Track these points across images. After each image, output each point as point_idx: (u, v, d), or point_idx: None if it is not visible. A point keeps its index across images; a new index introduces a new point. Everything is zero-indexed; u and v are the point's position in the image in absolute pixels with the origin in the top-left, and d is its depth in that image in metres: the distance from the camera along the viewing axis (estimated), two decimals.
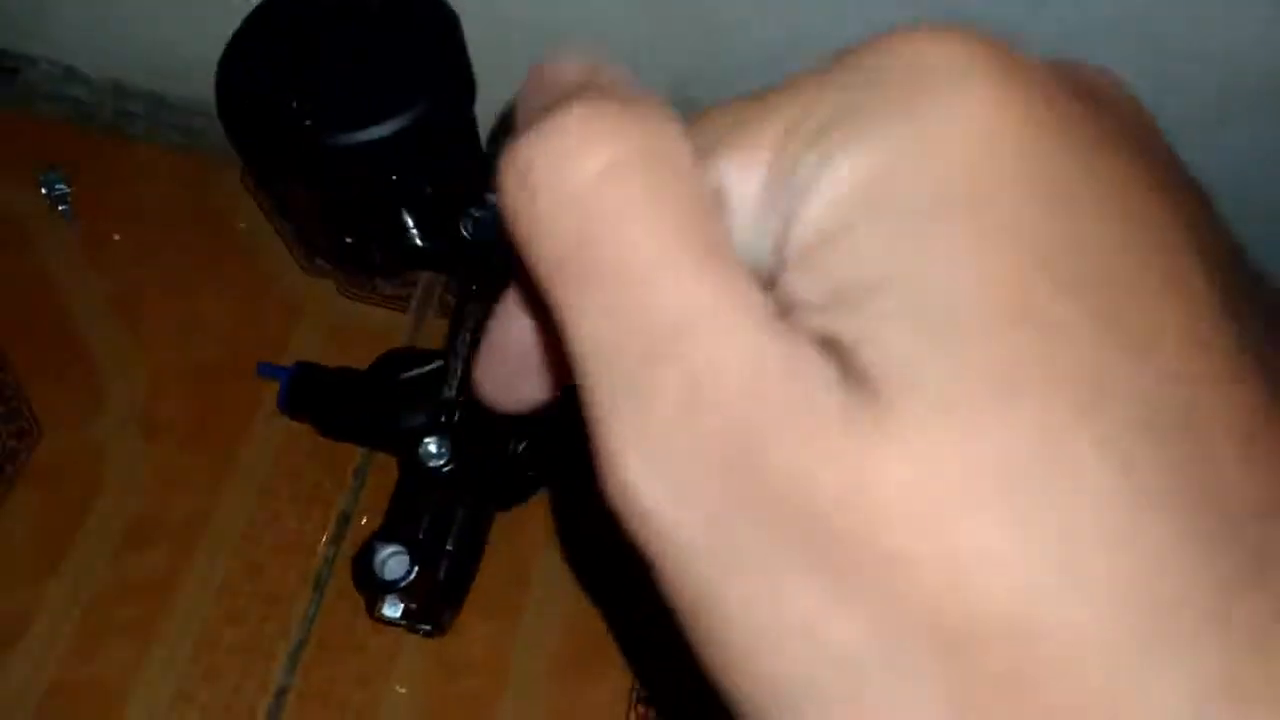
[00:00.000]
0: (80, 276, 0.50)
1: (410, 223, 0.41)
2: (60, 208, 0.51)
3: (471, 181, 0.41)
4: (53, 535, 0.44)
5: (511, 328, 0.16)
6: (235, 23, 0.38)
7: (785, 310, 0.12)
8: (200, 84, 0.54)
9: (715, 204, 0.13)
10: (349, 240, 0.41)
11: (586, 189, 0.12)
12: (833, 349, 0.12)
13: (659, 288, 0.12)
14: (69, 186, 0.52)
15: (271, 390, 0.47)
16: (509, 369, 0.17)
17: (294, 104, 0.36)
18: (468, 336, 0.40)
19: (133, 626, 0.42)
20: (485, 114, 0.39)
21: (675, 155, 0.13)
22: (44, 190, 0.52)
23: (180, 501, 0.45)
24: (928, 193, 0.12)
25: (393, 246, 0.41)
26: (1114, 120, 0.14)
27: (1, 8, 0.53)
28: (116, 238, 0.51)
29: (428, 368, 0.42)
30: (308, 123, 0.35)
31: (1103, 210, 0.12)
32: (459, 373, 0.40)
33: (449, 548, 0.39)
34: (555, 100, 0.13)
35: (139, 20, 0.52)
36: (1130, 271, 0.12)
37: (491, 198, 0.40)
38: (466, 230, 0.40)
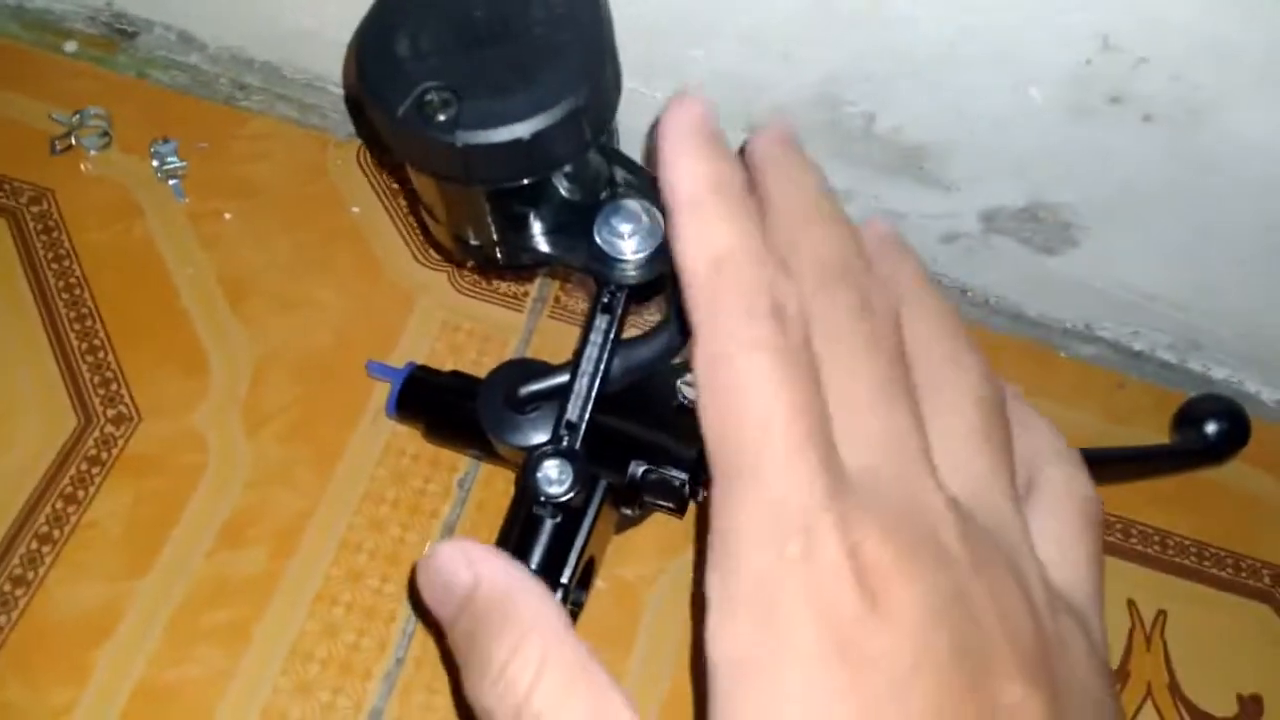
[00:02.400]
0: (188, 255, 0.48)
1: (538, 227, 0.38)
2: (171, 182, 0.50)
3: (608, 185, 0.37)
4: (147, 528, 0.42)
5: None
6: None
7: None
8: (319, 57, 0.52)
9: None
10: (474, 242, 0.38)
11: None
12: None
13: None
14: (181, 160, 0.50)
15: (379, 386, 0.45)
16: None
17: (431, 94, 0.33)
18: (595, 352, 0.37)
19: (224, 631, 0.40)
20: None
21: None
22: (155, 163, 0.50)
23: (280, 500, 0.43)
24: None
25: (516, 249, 0.39)
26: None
27: None
28: (227, 216, 0.49)
29: (551, 382, 0.39)
30: (442, 117, 0.32)
31: None
32: (585, 392, 0.37)
33: (564, 581, 0.36)
34: None
35: None
36: None
37: (627, 205, 0.37)
38: (600, 237, 0.37)
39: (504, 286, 0.49)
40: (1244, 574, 0.48)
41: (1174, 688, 0.44)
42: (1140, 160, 0.44)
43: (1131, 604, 0.46)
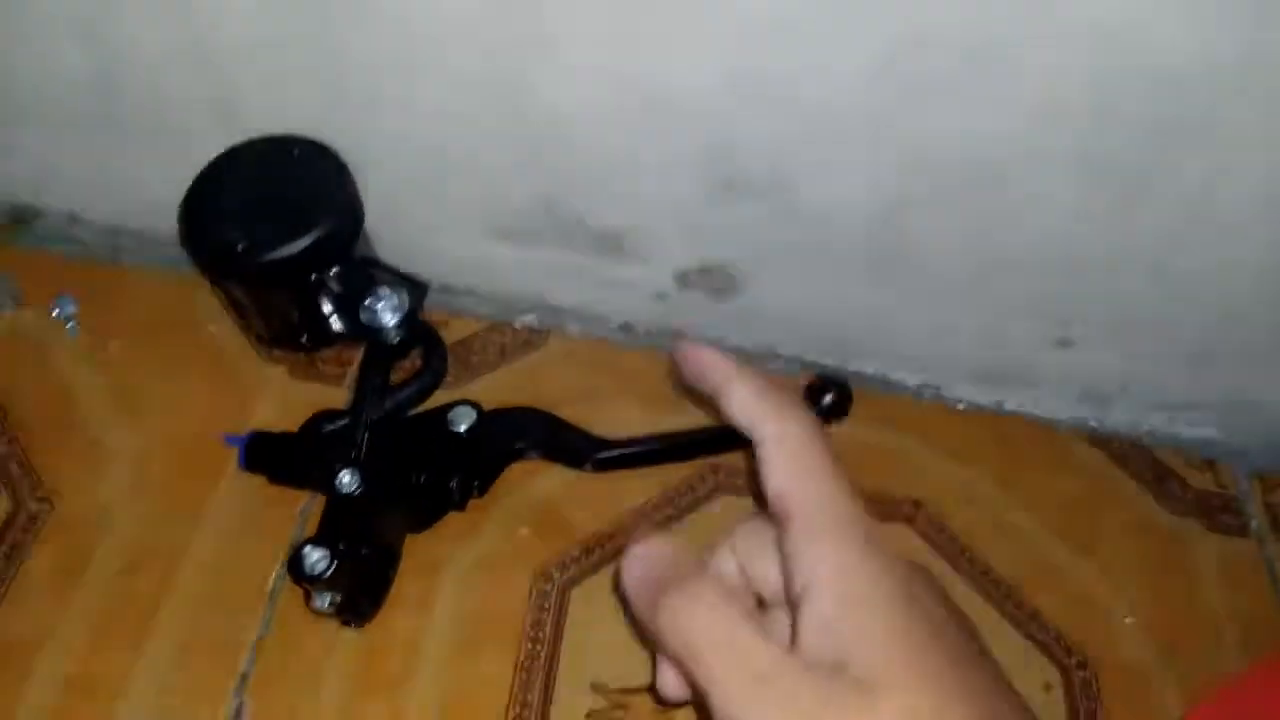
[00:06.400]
0: (86, 378, 0.64)
1: (324, 313, 0.55)
2: (68, 325, 0.66)
3: (366, 277, 0.55)
4: (68, 571, 0.57)
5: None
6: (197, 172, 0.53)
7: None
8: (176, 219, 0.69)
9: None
10: (281, 326, 0.55)
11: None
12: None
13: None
14: (75, 308, 0.66)
15: (234, 451, 0.61)
16: None
17: (232, 234, 0.50)
18: (369, 394, 0.54)
19: (131, 632, 0.55)
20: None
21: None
22: (55, 313, 0.66)
23: (168, 537, 0.58)
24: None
25: (314, 329, 0.56)
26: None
27: (19, 170, 0.69)
28: (112, 346, 0.66)
29: (343, 421, 0.56)
30: (241, 247, 0.50)
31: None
32: (362, 418, 0.53)
33: (364, 552, 0.52)
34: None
35: (127, 175, 0.67)
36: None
37: (381, 290, 0.54)
38: (363, 315, 0.54)
39: (326, 369, 0.66)
40: (893, 506, 0.65)
41: None
42: (757, 223, 0.63)
43: None
